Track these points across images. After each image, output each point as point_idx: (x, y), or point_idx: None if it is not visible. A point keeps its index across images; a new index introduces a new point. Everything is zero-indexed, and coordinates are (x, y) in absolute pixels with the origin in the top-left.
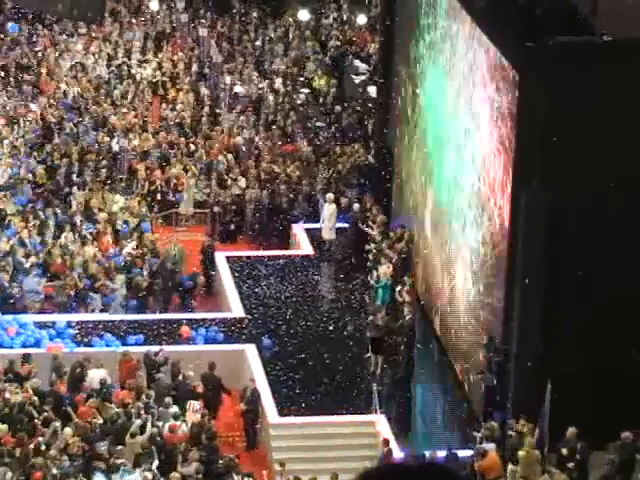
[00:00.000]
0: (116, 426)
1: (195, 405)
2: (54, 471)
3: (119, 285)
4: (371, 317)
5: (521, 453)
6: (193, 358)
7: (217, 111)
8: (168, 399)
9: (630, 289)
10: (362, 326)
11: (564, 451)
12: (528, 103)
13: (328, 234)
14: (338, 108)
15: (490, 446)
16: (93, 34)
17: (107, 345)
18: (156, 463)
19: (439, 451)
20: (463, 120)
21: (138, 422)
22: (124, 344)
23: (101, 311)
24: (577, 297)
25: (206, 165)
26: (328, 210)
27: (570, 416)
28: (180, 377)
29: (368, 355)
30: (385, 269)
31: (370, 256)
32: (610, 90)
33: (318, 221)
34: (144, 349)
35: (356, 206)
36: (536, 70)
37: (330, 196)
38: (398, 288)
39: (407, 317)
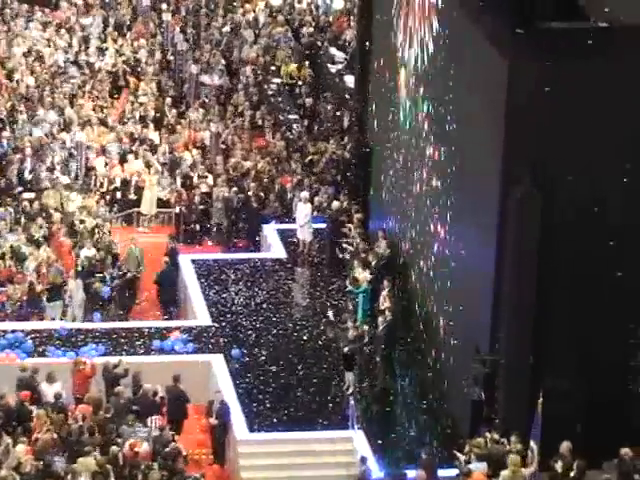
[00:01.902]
0: (72, 442)
1: (156, 421)
2: None
3: (73, 291)
4: (343, 325)
5: (506, 473)
6: (156, 370)
7: (182, 103)
8: (131, 416)
9: (627, 296)
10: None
11: (558, 467)
12: (518, 93)
13: (304, 235)
14: (309, 100)
15: (480, 466)
16: (49, 19)
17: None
18: None
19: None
20: (447, 112)
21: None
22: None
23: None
24: (570, 304)
25: (170, 161)
26: (303, 210)
27: (563, 432)
28: (142, 390)
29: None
30: (365, 274)
31: (346, 257)
32: (605, 78)
33: (290, 221)
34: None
35: (335, 204)
36: (526, 58)
37: (305, 195)
38: (383, 294)
39: (381, 326)
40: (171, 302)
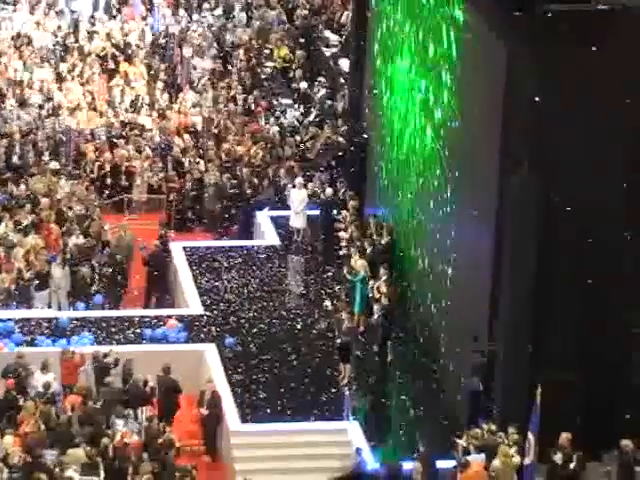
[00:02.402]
0: (59, 434)
1: (146, 411)
2: None
3: (60, 279)
4: (338, 315)
5: (496, 464)
6: (147, 359)
7: (173, 87)
8: (119, 407)
9: (628, 284)
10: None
11: (557, 459)
12: (517, 78)
13: (299, 222)
14: (303, 84)
15: (479, 457)
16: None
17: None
18: (102, 476)
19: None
20: (444, 97)
21: (86, 429)
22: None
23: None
24: (570, 293)
25: (161, 146)
26: (298, 196)
27: (562, 424)
28: (132, 380)
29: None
30: (362, 262)
31: (342, 245)
32: (606, 62)
33: (284, 208)
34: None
35: (329, 191)
36: (525, 42)
37: (300, 181)
38: (373, 283)
39: (376, 315)
40: (160, 287)
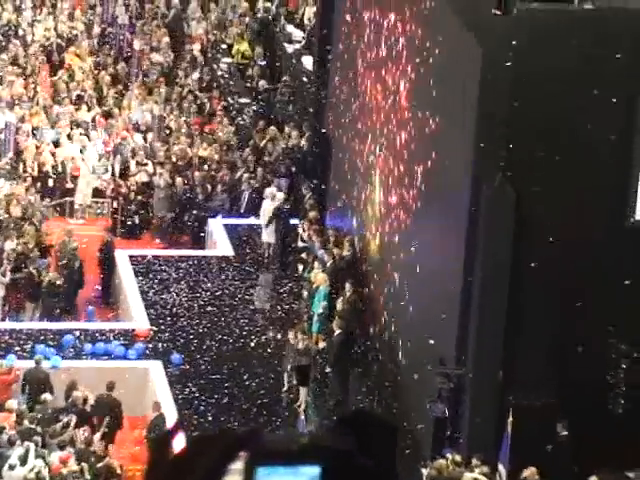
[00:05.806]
0: None
1: (84, 432)
2: None
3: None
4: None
5: None
6: (86, 377)
7: (122, 81)
8: (57, 425)
9: (609, 305)
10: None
11: None
12: (493, 81)
13: (271, 236)
14: (264, 83)
15: None
16: None
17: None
18: None
19: None
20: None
21: (18, 450)
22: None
23: None
24: (545, 311)
25: (107, 146)
26: (270, 207)
27: (533, 455)
28: (71, 398)
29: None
30: (323, 275)
31: (301, 259)
32: (590, 67)
33: (238, 215)
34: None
35: (280, 195)
36: (503, 42)
37: (272, 191)
38: (341, 299)
39: (336, 333)
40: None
